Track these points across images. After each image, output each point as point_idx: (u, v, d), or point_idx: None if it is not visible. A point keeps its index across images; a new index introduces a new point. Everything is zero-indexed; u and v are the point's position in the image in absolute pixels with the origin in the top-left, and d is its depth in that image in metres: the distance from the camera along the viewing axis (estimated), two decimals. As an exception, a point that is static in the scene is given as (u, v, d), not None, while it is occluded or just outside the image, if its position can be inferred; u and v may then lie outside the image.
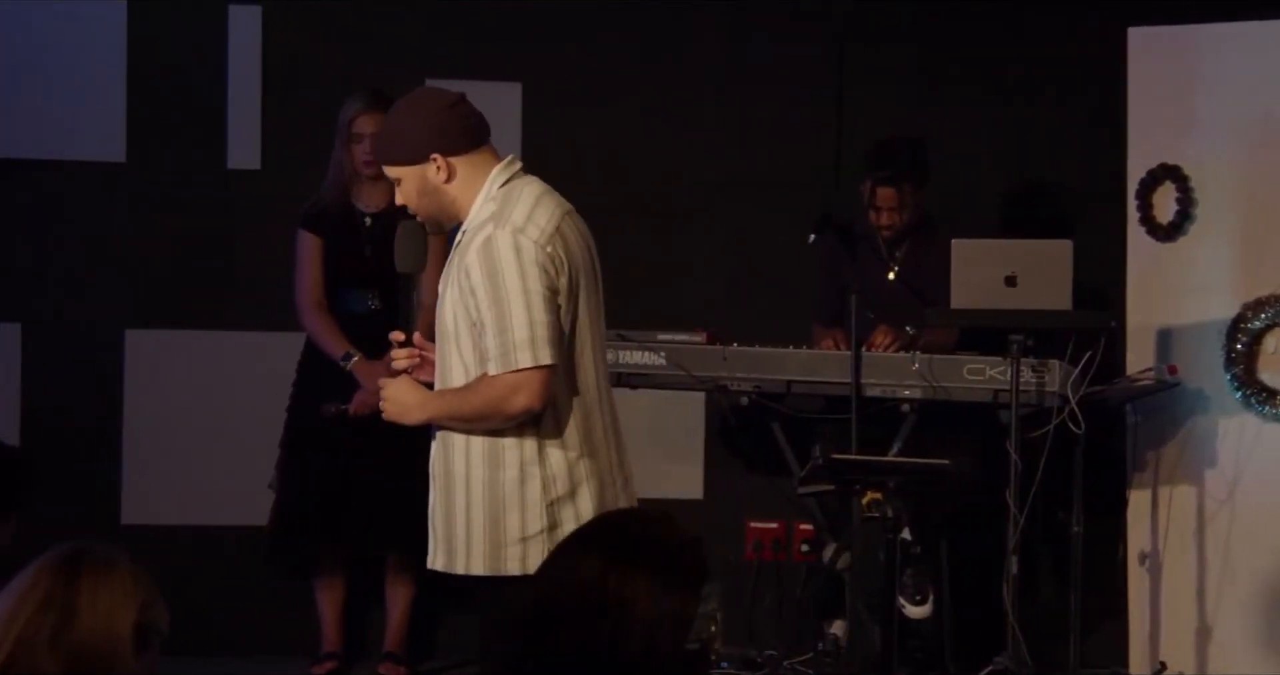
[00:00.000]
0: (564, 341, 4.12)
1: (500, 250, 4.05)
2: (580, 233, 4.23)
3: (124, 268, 6.63)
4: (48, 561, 2.49)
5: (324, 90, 6.50)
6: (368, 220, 6.34)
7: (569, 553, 2.47)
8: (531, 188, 4.19)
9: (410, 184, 4.19)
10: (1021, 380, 5.78)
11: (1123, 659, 6.34)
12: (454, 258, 4.16)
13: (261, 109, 6.67)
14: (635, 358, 6.12)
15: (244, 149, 6.67)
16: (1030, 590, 6.17)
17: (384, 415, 4.23)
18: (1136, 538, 6.35)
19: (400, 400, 4.18)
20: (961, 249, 5.92)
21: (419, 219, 4.25)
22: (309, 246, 6.28)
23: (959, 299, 5.88)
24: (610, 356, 6.11)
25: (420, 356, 4.25)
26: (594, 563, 2.41)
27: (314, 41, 6.67)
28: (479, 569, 4.14)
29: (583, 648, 2.37)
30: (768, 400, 6.06)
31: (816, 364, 6.06)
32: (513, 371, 4.03)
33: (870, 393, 5.96)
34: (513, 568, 4.11)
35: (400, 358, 4.24)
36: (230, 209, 6.67)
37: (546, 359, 4.05)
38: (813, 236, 6.09)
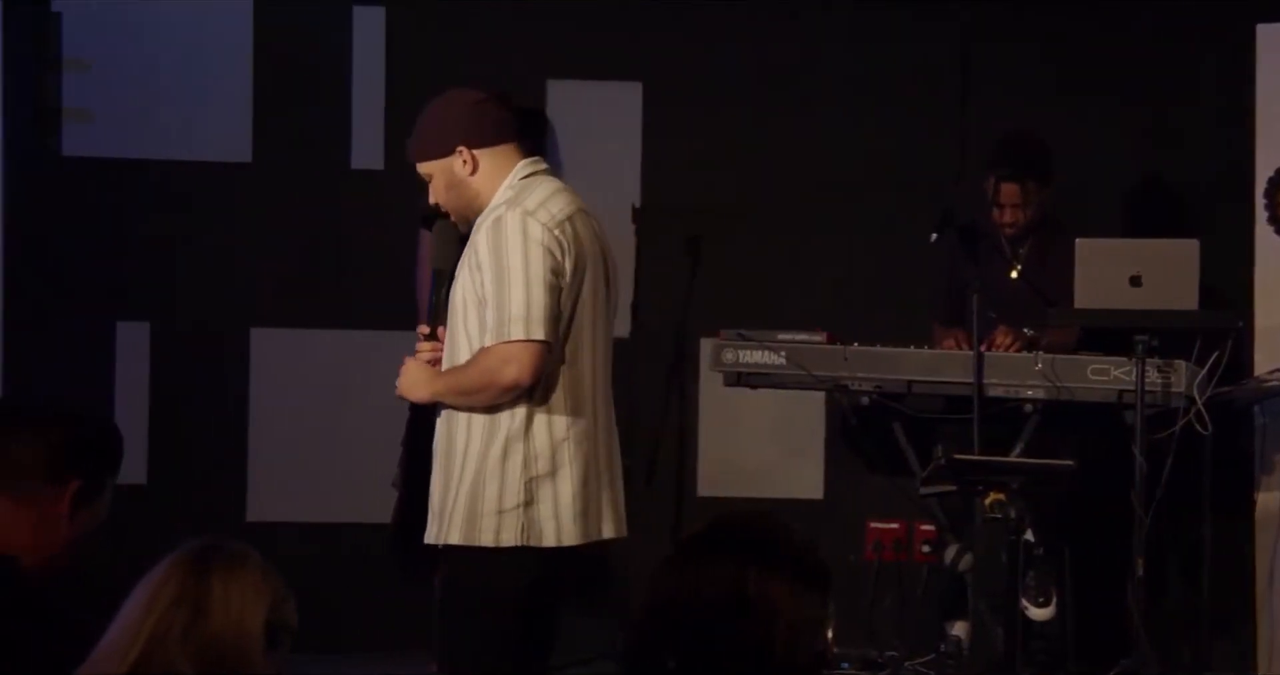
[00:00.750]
0: (560, 325, 4.19)
1: (508, 229, 4.14)
2: (594, 231, 4.30)
3: (249, 267, 6.70)
4: (178, 558, 2.51)
5: (444, 91, 6.53)
6: (489, 220, 6.36)
7: (698, 553, 2.46)
8: (551, 182, 4.29)
9: (439, 179, 4.31)
10: (1147, 381, 5.72)
11: (1251, 663, 6.26)
12: (469, 241, 4.27)
13: (385, 109, 6.72)
14: (755, 357, 6.10)
15: (368, 149, 6.72)
16: (1156, 593, 6.10)
17: (397, 391, 4.34)
18: (1265, 540, 6.26)
19: (410, 376, 4.31)
20: (1086, 248, 5.86)
21: (451, 218, 4.35)
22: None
23: (1083, 298, 5.82)
24: (730, 356, 6.11)
25: (443, 352, 4.34)
26: (730, 564, 2.41)
27: (437, 42, 6.71)
28: (455, 538, 4.22)
29: (729, 648, 2.36)
30: (889, 400, 6.03)
31: (938, 364, 6.03)
32: (505, 343, 4.11)
33: (992, 393, 5.92)
34: (486, 539, 4.19)
35: (424, 351, 4.35)
36: (354, 209, 6.72)
37: (539, 334, 4.11)
38: (934, 235, 6.05)
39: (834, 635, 2.45)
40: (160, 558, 2.55)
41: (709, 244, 6.68)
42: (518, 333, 4.11)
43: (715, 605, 2.38)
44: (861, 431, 6.23)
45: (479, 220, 4.25)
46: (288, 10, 6.69)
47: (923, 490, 5.92)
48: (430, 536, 4.31)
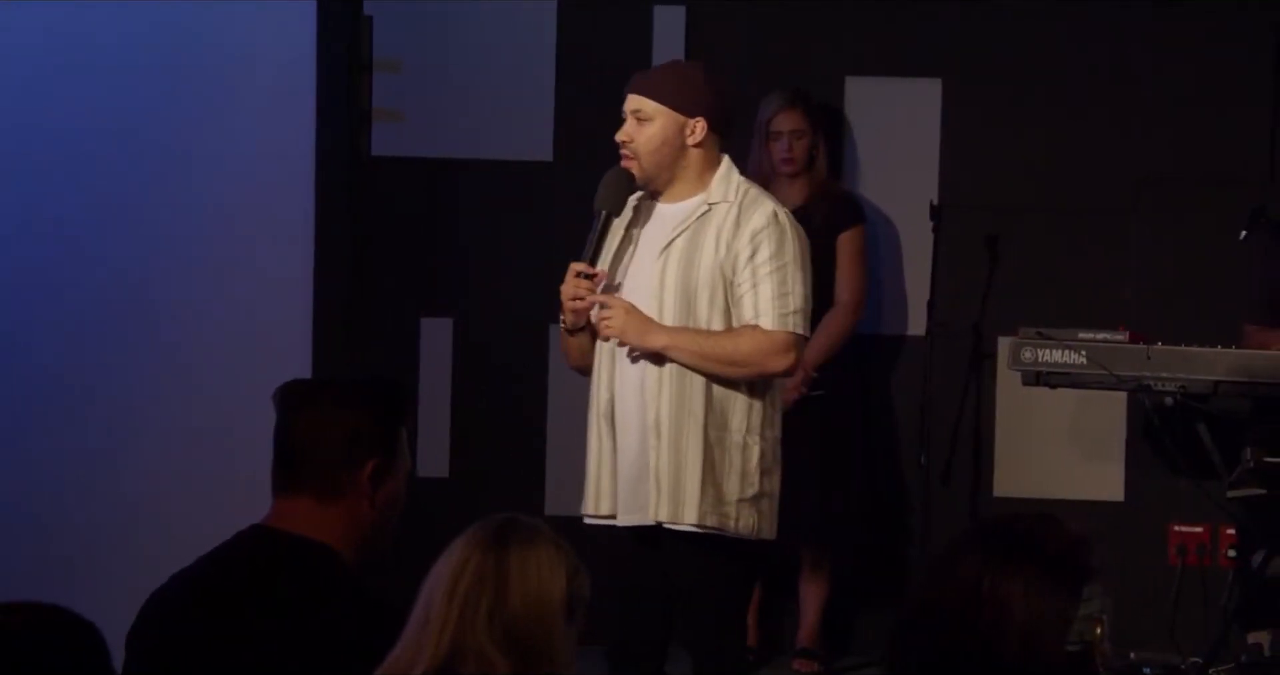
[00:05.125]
0: None
1: (790, 227, 4.37)
2: None
3: (550, 265, 6.78)
4: (473, 537, 2.56)
5: (745, 88, 6.56)
6: (786, 217, 6.37)
7: (951, 554, 2.48)
8: None
9: (659, 128, 4.39)
10: None
11: None
12: (704, 226, 4.37)
13: (684, 108, 6.76)
14: (1055, 356, 6.01)
15: (666, 148, 6.77)
16: None
17: (606, 332, 4.40)
18: None
19: (633, 320, 4.34)
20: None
21: (634, 167, 4.44)
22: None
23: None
24: (1029, 355, 6.03)
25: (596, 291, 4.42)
26: (973, 563, 2.42)
27: (735, 40, 6.74)
28: (692, 519, 4.30)
29: (960, 647, 2.37)
30: (1193, 401, 5.90)
31: (1247, 364, 5.88)
32: (787, 332, 4.30)
33: (1303, 394, 5.76)
34: (728, 525, 4.31)
35: (582, 287, 4.43)
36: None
37: (808, 333, 4.40)
38: (1244, 233, 5.91)
39: (1103, 634, 2.43)
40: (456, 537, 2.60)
41: (1007, 241, 6.60)
42: (798, 326, 4.32)
43: (952, 606, 2.39)
44: (1164, 433, 6.11)
45: (728, 207, 4.36)
46: (591, 10, 6.77)
47: (1230, 493, 5.79)
48: (663, 515, 4.33)
